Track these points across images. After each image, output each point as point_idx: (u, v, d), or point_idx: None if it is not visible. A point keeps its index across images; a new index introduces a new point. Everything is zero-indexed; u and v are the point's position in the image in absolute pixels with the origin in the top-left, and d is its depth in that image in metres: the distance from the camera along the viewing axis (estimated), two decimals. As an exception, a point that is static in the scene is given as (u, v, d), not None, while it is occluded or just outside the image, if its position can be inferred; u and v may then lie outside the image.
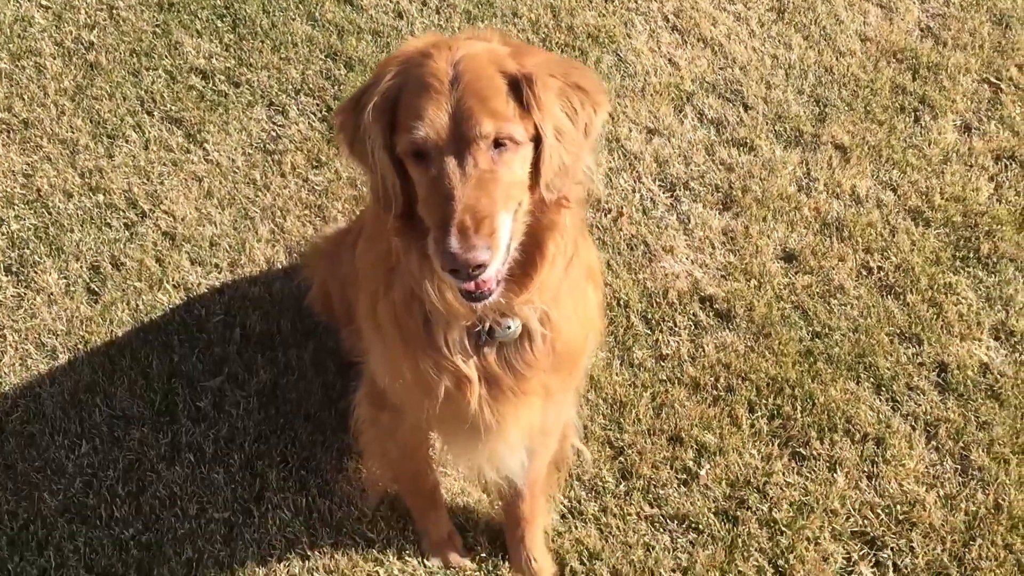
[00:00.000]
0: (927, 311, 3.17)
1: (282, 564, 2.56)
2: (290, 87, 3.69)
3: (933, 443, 2.89)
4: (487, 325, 1.90)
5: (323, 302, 2.84)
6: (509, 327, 1.91)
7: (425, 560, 2.59)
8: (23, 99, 3.58)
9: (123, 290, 3.08)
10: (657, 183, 3.52)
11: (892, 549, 2.67)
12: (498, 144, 1.69)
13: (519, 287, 1.82)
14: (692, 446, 2.84)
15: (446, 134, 1.66)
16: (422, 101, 1.67)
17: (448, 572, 2.59)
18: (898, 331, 3.13)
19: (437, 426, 2.21)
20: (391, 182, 1.75)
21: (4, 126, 3.49)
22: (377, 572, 2.57)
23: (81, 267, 3.13)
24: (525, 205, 1.77)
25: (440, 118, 1.66)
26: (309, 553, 2.58)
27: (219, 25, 3.88)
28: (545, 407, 2.10)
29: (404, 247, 1.81)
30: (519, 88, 1.71)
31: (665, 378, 2.99)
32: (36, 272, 3.10)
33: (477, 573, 2.60)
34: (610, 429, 2.86)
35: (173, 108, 3.59)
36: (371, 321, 2.05)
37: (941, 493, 2.78)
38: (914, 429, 2.91)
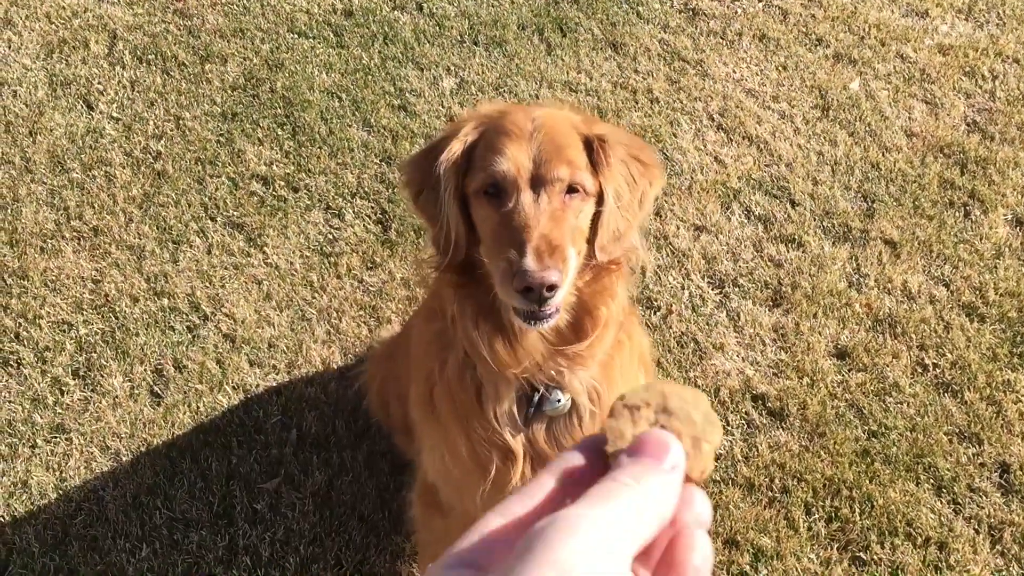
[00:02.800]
0: (986, 410, 3.13)
1: (336, 672, 2.56)
2: (346, 191, 3.82)
3: (998, 547, 2.81)
4: (537, 397, 1.93)
5: (380, 406, 2.89)
6: (559, 400, 1.95)
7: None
8: (93, 207, 3.75)
9: (185, 392, 3.17)
10: (706, 280, 3.55)
11: (960, 660, 2.60)
12: (570, 190, 1.81)
13: (571, 351, 1.88)
14: (748, 550, 2.80)
15: (526, 172, 1.77)
16: (504, 141, 1.79)
17: None
18: (957, 430, 3.09)
19: (483, 505, 2.23)
20: (457, 228, 1.83)
21: (76, 234, 3.66)
22: None
23: (145, 370, 3.23)
24: (582, 256, 1.85)
25: (521, 157, 1.77)
26: (363, 661, 2.58)
27: (279, 133, 4.05)
28: None
29: (460, 303, 1.87)
30: (590, 148, 1.84)
31: (719, 479, 2.97)
32: (102, 375, 3.21)
33: None
34: (664, 532, 2.84)
35: (235, 214, 3.73)
36: (424, 407, 2.10)
37: (1009, 601, 2.70)
38: (978, 533, 2.84)
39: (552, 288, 1.69)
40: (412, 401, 2.26)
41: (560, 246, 1.73)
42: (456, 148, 1.85)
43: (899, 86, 4.34)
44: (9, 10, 4.71)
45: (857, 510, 2.88)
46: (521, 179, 1.77)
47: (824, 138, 4.10)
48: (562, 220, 1.78)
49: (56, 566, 2.74)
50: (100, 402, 3.14)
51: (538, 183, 1.78)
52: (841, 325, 3.40)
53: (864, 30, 4.64)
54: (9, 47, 4.50)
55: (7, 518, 2.85)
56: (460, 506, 2.24)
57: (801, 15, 4.72)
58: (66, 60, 4.43)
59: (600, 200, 1.86)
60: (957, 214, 3.78)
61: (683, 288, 3.52)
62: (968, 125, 4.17)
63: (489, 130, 1.85)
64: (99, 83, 4.31)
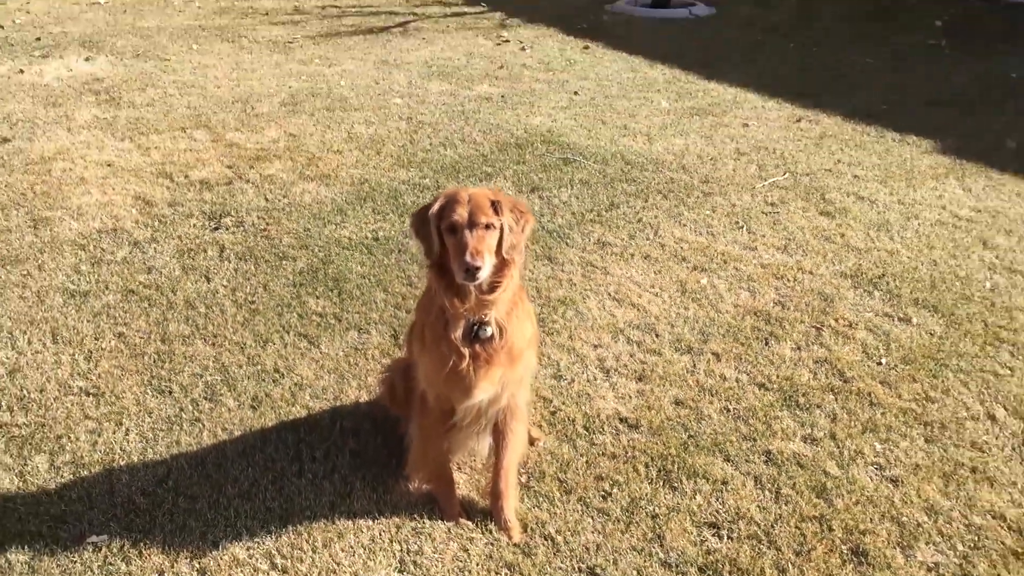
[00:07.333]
0: (760, 426, 5.12)
1: (363, 520, 4.36)
2: (373, 321, 6.02)
3: (764, 486, 4.70)
4: (475, 329, 3.99)
5: (391, 398, 4.87)
6: (487, 331, 4.00)
7: (444, 521, 4.38)
8: (213, 324, 5.94)
9: (273, 408, 5.16)
10: (598, 369, 5.65)
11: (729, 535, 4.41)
12: (486, 227, 3.82)
13: (487, 299, 3.95)
14: (608, 481, 4.68)
15: (466, 220, 3.80)
16: (457, 206, 3.83)
17: (457, 526, 4.35)
18: (740, 436, 5.06)
19: (445, 387, 4.14)
20: (436, 245, 3.95)
21: (201, 337, 5.81)
22: (414, 527, 4.35)
23: (247, 396, 5.24)
24: (493, 260, 3.95)
25: (464, 213, 3.79)
26: (379, 516, 4.38)
27: (330, 292, 6.34)
28: (505, 381, 4.10)
29: (438, 281, 3.97)
30: (494, 205, 3.90)
31: (595, 453, 4.89)
32: (220, 397, 5.21)
33: (475, 529, 4.36)
34: (560, 474, 4.73)
35: (301, 330, 5.91)
36: (419, 339, 4.15)
37: (762, 506, 4.55)
38: (746, 477, 4.74)
39: (477, 268, 3.76)
40: (415, 346, 4.32)
41: (482, 252, 3.79)
42: (435, 207, 3.92)
43: (732, 283, 6.71)
44: (154, 233, 7.20)
45: (676, 467, 4.79)
46: (464, 223, 3.85)
47: (681, 305, 6.39)
48: (483, 242, 3.82)
49: (201, 477, 4.61)
50: (218, 408, 5.13)
51: (471, 225, 3.84)
52: (680, 391, 5.46)
53: (714, 254, 7.10)
54: (155, 251, 6.92)
55: (166, 453, 4.75)
56: (434, 399, 4.21)
57: (674, 246, 7.21)
58: (192, 258, 6.82)
59: (501, 231, 4.00)
60: (761, 343, 5.97)
61: (582, 373, 5.61)
62: (774, 303, 6.47)
63: (450, 199, 3.89)
64: (213, 268, 6.66)
